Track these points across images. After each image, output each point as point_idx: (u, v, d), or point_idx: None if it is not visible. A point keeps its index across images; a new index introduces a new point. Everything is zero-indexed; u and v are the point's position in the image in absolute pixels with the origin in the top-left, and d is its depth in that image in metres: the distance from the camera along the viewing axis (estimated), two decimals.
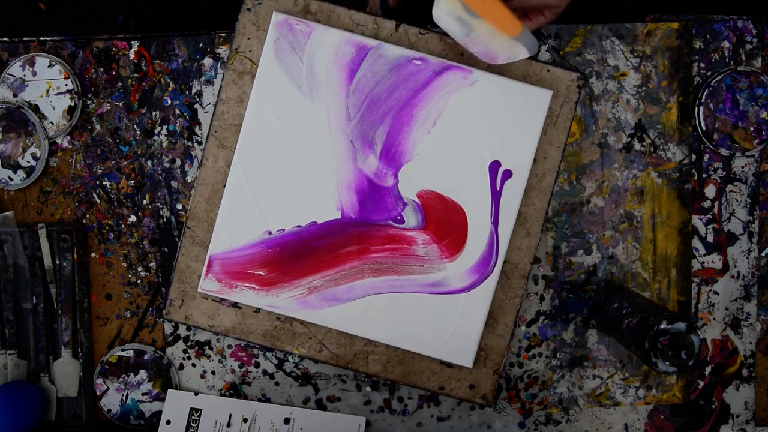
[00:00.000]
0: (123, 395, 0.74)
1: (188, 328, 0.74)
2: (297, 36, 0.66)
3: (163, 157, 0.73)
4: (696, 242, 0.74)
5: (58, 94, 0.73)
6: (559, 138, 0.68)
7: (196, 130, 0.73)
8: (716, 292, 0.74)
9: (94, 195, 0.74)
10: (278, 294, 0.68)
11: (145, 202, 0.74)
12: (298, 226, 0.68)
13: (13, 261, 0.72)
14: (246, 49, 0.68)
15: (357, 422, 0.73)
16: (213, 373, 0.74)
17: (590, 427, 0.75)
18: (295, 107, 0.67)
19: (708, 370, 0.74)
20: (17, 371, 0.73)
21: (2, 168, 0.73)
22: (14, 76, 0.73)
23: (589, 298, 0.74)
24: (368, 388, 0.74)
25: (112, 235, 0.74)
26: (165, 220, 0.74)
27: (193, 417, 0.72)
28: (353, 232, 0.68)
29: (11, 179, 0.73)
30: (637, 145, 0.73)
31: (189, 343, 0.74)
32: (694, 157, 0.73)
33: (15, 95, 0.73)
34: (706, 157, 0.74)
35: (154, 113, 0.73)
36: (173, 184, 0.74)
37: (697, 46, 0.73)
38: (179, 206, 0.74)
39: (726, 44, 0.73)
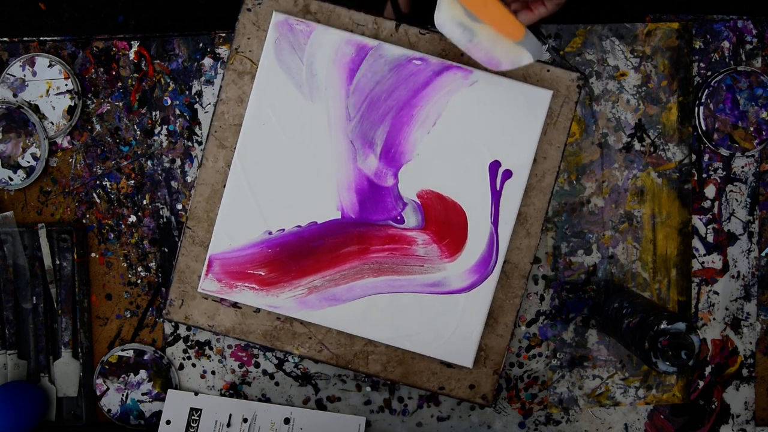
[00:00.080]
0: (123, 395, 0.74)
1: (188, 328, 0.74)
2: (297, 36, 0.66)
3: (163, 157, 0.73)
4: (696, 242, 0.74)
5: (58, 94, 0.73)
6: (559, 138, 0.68)
7: (196, 130, 0.73)
8: (716, 292, 0.74)
9: (94, 195, 0.74)
10: (278, 294, 0.68)
11: (145, 202, 0.74)
12: (298, 226, 0.68)
13: (13, 261, 0.72)
14: (246, 49, 0.68)
15: (357, 422, 0.73)
16: (213, 373, 0.74)
17: (590, 427, 0.75)
18: (295, 107, 0.67)
19: (708, 370, 0.74)
20: (17, 371, 0.73)
21: (2, 168, 0.73)
22: (14, 76, 0.73)
23: (589, 298, 0.74)
24: (368, 388, 0.74)
25: (112, 235, 0.74)
26: (165, 220, 0.74)
27: (193, 417, 0.72)
28: (353, 232, 0.68)
29: (11, 179, 0.73)
30: (637, 145, 0.73)
31: (189, 343, 0.74)
32: (694, 157, 0.73)
33: (15, 95, 0.73)
34: (706, 157, 0.74)
35: (154, 113, 0.73)
36: (173, 184, 0.74)
37: (697, 46, 0.73)
38: (179, 206, 0.74)
39: (726, 44, 0.73)
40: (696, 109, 0.73)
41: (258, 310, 0.69)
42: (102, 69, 0.73)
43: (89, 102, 0.73)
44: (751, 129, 0.73)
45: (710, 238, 0.74)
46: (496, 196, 0.67)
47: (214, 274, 0.68)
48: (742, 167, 0.74)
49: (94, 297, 0.74)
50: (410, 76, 0.66)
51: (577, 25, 0.72)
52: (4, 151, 0.73)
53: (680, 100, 0.73)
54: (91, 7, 1.28)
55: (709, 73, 0.73)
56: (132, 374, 0.74)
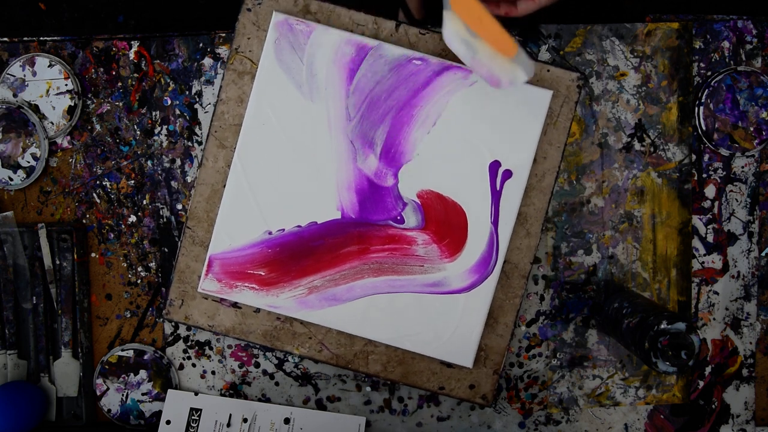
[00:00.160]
0: (123, 395, 0.74)
1: (188, 328, 0.74)
2: (297, 36, 0.66)
3: (163, 157, 0.73)
4: (696, 242, 0.74)
5: (58, 94, 0.73)
6: (559, 138, 0.68)
7: (196, 130, 0.73)
8: (716, 292, 0.74)
9: (94, 195, 0.74)
10: (278, 294, 0.68)
11: (145, 202, 0.74)
12: (298, 226, 0.68)
13: (13, 261, 0.72)
14: (246, 49, 0.68)
15: (357, 422, 0.73)
16: (213, 373, 0.74)
17: (590, 427, 0.75)
18: (295, 107, 0.67)
19: (708, 370, 0.74)
20: (17, 371, 0.73)
21: (2, 168, 0.73)
22: (14, 76, 0.73)
23: (589, 298, 0.74)
24: (368, 388, 0.74)
25: (112, 235, 0.74)
26: (165, 220, 0.74)
27: (193, 417, 0.72)
28: (353, 232, 0.68)
29: (11, 179, 0.73)
30: (637, 145, 0.73)
31: (189, 343, 0.74)
32: (694, 157, 0.73)
33: (15, 95, 0.73)
34: (706, 157, 0.74)
35: (154, 113, 0.73)
36: (173, 184, 0.74)
37: (697, 46, 0.73)
38: (179, 206, 0.74)
39: (726, 44, 0.73)
40: (696, 109, 0.73)
41: (258, 310, 0.69)
42: (102, 69, 0.73)
43: (89, 102, 0.73)
44: (751, 129, 0.73)
45: (710, 238, 0.74)
46: (496, 196, 0.67)
47: (214, 274, 0.68)
48: (742, 167, 0.74)
49: (94, 297, 0.74)
50: (410, 76, 0.66)
51: (577, 25, 0.72)
52: (4, 151, 0.73)
53: (680, 100, 0.73)
54: (91, 7, 1.28)
55: (709, 73, 0.73)
56: (132, 374, 0.74)
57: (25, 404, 0.69)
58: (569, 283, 0.73)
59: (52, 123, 0.73)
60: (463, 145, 0.67)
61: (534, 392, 0.74)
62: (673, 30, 0.72)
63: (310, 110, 0.67)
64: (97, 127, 0.73)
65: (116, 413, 0.75)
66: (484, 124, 0.67)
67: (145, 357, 0.74)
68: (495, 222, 0.67)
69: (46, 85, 0.72)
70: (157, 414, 0.74)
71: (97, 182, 0.74)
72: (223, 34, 0.72)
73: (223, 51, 0.72)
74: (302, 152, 0.68)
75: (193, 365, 0.74)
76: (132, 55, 0.73)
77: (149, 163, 0.73)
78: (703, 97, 0.72)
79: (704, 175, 0.74)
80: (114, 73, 0.73)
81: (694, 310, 0.74)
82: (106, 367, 0.74)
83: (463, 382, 0.70)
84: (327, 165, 0.67)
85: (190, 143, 0.73)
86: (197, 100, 0.73)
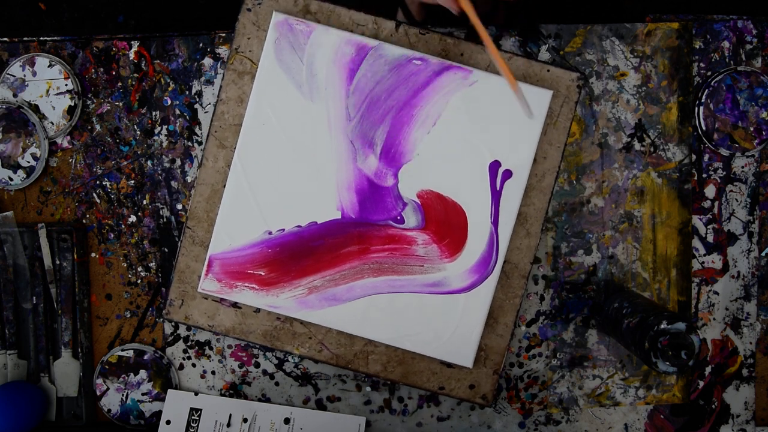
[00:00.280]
0: (123, 395, 0.74)
1: (188, 328, 0.74)
2: (297, 36, 0.66)
3: (163, 157, 0.73)
4: (696, 242, 0.74)
5: (58, 94, 0.73)
6: (559, 138, 0.68)
7: (196, 130, 0.73)
8: (716, 292, 0.74)
9: (94, 195, 0.74)
10: (278, 294, 0.68)
11: (145, 202, 0.74)
12: (298, 226, 0.68)
13: (13, 261, 0.72)
14: (246, 49, 0.68)
15: (357, 422, 0.73)
16: (213, 373, 0.74)
17: (590, 427, 0.75)
18: (295, 107, 0.67)
19: (708, 370, 0.74)
20: (17, 371, 0.73)
21: (2, 168, 0.73)
22: (14, 76, 0.73)
23: (589, 298, 0.74)
24: (368, 388, 0.74)
25: (112, 235, 0.74)
26: (165, 220, 0.74)
27: (193, 417, 0.72)
28: (353, 232, 0.68)
29: (11, 179, 0.73)
30: (637, 145, 0.73)
31: (189, 343, 0.74)
32: (694, 157, 0.73)
33: (15, 95, 0.73)
34: (706, 157, 0.74)
35: (154, 113, 0.73)
36: (173, 184, 0.74)
37: (697, 46, 0.73)
38: (179, 206, 0.74)
39: (726, 44, 0.73)
40: (696, 109, 0.73)
41: (258, 310, 0.69)
42: (102, 69, 0.73)
43: (89, 102, 0.73)
44: (751, 129, 0.73)
45: (710, 238, 0.74)
46: (496, 196, 0.67)
47: (214, 274, 0.68)
48: (742, 167, 0.74)
49: (94, 297, 0.74)
50: (410, 76, 0.66)
51: (577, 25, 0.72)
52: (4, 151, 0.73)
53: (680, 100, 0.73)
54: (91, 7, 1.28)
55: (709, 73, 0.73)
56: (132, 374, 0.74)
57: (25, 404, 0.69)
58: (569, 283, 0.73)
59: (52, 123, 0.73)
60: (463, 145, 0.67)
61: (534, 392, 0.74)
62: (673, 30, 0.72)
63: (310, 110, 0.67)
64: (97, 127, 0.73)
65: (116, 413, 0.75)
66: (484, 124, 0.67)
67: (145, 357, 0.74)
68: (495, 222, 0.67)
69: (46, 85, 0.72)
70: (157, 414, 0.74)
71: (97, 182, 0.74)
72: (223, 34, 0.72)
73: (223, 51, 0.72)
74: (302, 152, 0.68)
75: (193, 365, 0.74)
76: (132, 55, 0.73)
77: (149, 163, 0.73)
78: (703, 97, 0.72)
79: (704, 175, 0.74)
80: (114, 73, 0.73)
81: (694, 310, 0.74)
82: (106, 367, 0.74)
83: (463, 382, 0.70)
84: (327, 165, 0.67)
85: (190, 143, 0.73)
86: (197, 100, 0.73)
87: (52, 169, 0.74)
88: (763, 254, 0.74)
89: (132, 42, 0.73)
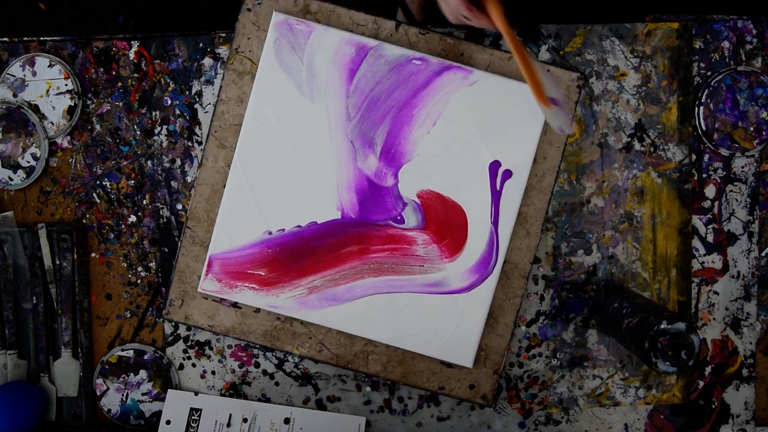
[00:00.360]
0: (123, 395, 0.74)
1: (188, 328, 0.74)
2: (297, 36, 0.66)
3: (163, 157, 0.73)
4: (696, 242, 0.74)
5: (58, 94, 0.73)
6: (559, 138, 0.68)
7: (196, 130, 0.73)
8: (716, 292, 0.74)
9: (94, 195, 0.74)
10: (278, 294, 0.68)
11: (145, 202, 0.74)
12: (298, 226, 0.68)
13: (13, 261, 0.72)
14: (246, 49, 0.68)
15: (357, 422, 0.73)
16: (213, 373, 0.74)
17: (590, 427, 0.75)
18: (295, 107, 0.67)
19: (708, 370, 0.74)
20: (17, 371, 0.73)
21: (2, 168, 0.73)
22: (14, 76, 0.73)
23: (589, 298, 0.74)
24: (368, 388, 0.74)
25: (112, 235, 0.74)
26: (165, 220, 0.74)
27: (193, 417, 0.72)
28: (353, 232, 0.68)
29: (11, 179, 0.73)
30: (637, 145, 0.73)
31: (189, 343, 0.74)
32: (694, 157, 0.73)
33: (15, 95, 0.73)
34: (706, 157, 0.74)
35: (154, 113, 0.73)
36: (173, 184, 0.74)
37: (697, 46, 0.73)
38: (179, 206, 0.74)
39: (726, 44, 0.73)
40: (696, 109, 0.73)
41: (258, 310, 0.69)
42: (102, 69, 0.73)
43: (89, 102, 0.73)
44: (751, 129, 0.73)
45: (710, 238, 0.74)
46: (496, 196, 0.67)
47: (214, 274, 0.68)
48: (742, 167, 0.74)
49: (94, 297, 0.74)
50: (410, 76, 0.66)
51: (577, 25, 0.72)
52: (4, 151, 0.73)
53: (680, 100, 0.73)
54: (91, 7, 1.28)
55: (709, 73, 0.73)
56: (132, 374, 0.74)
57: (25, 404, 0.69)
58: (569, 283, 0.73)
59: (52, 123, 0.73)
60: (463, 145, 0.67)
61: (534, 392, 0.74)
62: (673, 30, 0.72)
63: (310, 110, 0.67)
64: (97, 127, 0.73)
65: (116, 413, 0.74)
66: (484, 124, 0.67)
67: (145, 357, 0.74)
68: (495, 222, 0.67)
69: (46, 85, 0.72)
70: (157, 414, 0.74)
71: (97, 182, 0.74)
72: (223, 34, 0.72)
73: (223, 51, 0.72)
74: (302, 152, 0.68)
75: (193, 365, 0.74)
76: (132, 55, 0.73)
77: (149, 163, 0.73)
78: (703, 97, 0.72)
79: (704, 175, 0.74)
80: (114, 73, 0.73)
81: (694, 310, 0.74)
82: (106, 367, 0.74)
83: (463, 382, 0.70)
84: (327, 165, 0.67)
85: (190, 143, 0.73)
86: (197, 100, 0.73)
87: (52, 169, 0.74)
88: (763, 254, 0.74)
89: (132, 42, 0.73)
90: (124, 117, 0.73)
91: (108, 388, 0.74)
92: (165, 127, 0.73)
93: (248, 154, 0.68)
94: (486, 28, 0.58)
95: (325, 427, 0.73)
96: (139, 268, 0.74)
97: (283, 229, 0.68)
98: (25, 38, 0.73)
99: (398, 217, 0.68)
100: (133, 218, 0.74)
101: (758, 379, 0.75)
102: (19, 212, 0.74)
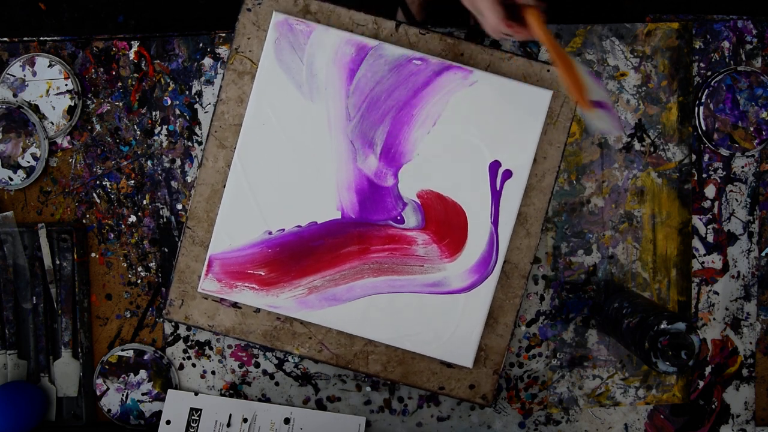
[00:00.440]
0: (123, 395, 0.74)
1: (188, 328, 0.74)
2: (297, 36, 0.66)
3: (163, 157, 0.73)
4: (696, 242, 0.74)
5: (58, 94, 0.73)
6: (559, 138, 0.68)
7: (196, 130, 0.73)
8: (716, 292, 0.74)
9: (94, 195, 0.74)
10: (278, 294, 0.68)
11: (145, 202, 0.74)
12: (298, 226, 0.68)
13: (13, 261, 0.72)
14: (246, 49, 0.68)
15: (357, 422, 0.73)
16: (213, 373, 0.74)
17: (590, 427, 0.75)
18: (295, 107, 0.67)
19: (708, 370, 0.74)
20: (17, 371, 0.73)
21: (2, 168, 0.73)
22: (14, 76, 0.73)
23: (589, 298, 0.74)
24: (368, 388, 0.74)
25: (112, 235, 0.74)
26: (165, 220, 0.74)
27: (193, 417, 0.72)
28: (353, 232, 0.68)
29: (11, 179, 0.73)
30: (637, 145, 0.73)
31: (189, 343, 0.74)
32: (694, 157, 0.73)
33: (15, 95, 0.73)
34: (706, 157, 0.74)
35: (154, 113, 0.73)
36: (173, 184, 0.74)
37: (697, 46, 0.73)
38: (179, 206, 0.74)
39: (726, 44, 0.73)
40: (696, 109, 0.73)
41: (258, 310, 0.69)
42: (102, 69, 0.73)
43: (89, 102, 0.73)
44: (751, 129, 0.73)
45: (710, 238, 0.74)
46: (496, 196, 0.67)
47: (214, 274, 0.68)
48: (742, 167, 0.74)
49: (94, 297, 0.74)
50: (410, 76, 0.66)
51: (577, 25, 0.72)
52: (4, 151, 0.73)
53: (680, 100, 0.73)
54: (91, 7, 1.28)
55: (709, 73, 0.73)
56: (132, 374, 0.74)
57: (25, 404, 0.69)
58: (569, 283, 0.73)
59: (52, 123, 0.73)
60: (463, 145, 0.67)
61: (534, 392, 0.74)
62: (673, 30, 0.72)
63: (310, 110, 0.67)
64: (97, 127, 0.73)
65: (116, 413, 0.74)
66: (484, 124, 0.67)
67: (145, 357, 0.74)
68: (495, 222, 0.67)
69: (46, 85, 0.72)
70: (157, 414, 0.74)
71: (97, 182, 0.74)
72: (223, 34, 0.72)
73: (223, 51, 0.72)
74: (302, 152, 0.68)
75: (193, 365, 0.74)
76: (132, 55, 0.73)
77: (149, 163, 0.73)
78: (703, 97, 0.72)
79: (704, 175, 0.74)
80: (114, 73, 0.73)
81: (694, 310, 0.74)
82: (106, 367, 0.74)
83: (463, 382, 0.70)
84: (327, 165, 0.67)
85: (190, 143, 0.73)
86: (197, 100, 0.73)
87: (52, 169, 0.74)
88: (763, 254, 0.74)
89: (132, 42, 0.73)
90: (124, 117, 0.73)
91: (108, 388, 0.74)
92: (165, 127, 0.73)
93: (248, 154, 0.68)
94: (528, 39, 0.56)
95: (325, 427, 0.73)
96: (139, 268, 0.74)
97: (283, 229, 0.68)
98: (25, 38, 0.73)
99: (398, 217, 0.68)
100: (133, 218, 0.74)
101: (758, 379, 0.75)
102: (19, 212, 0.74)
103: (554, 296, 0.73)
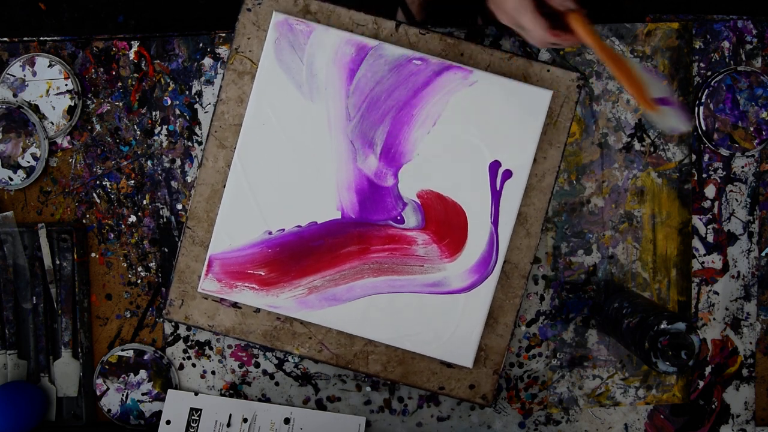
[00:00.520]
0: (123, 395, 0.74)
1: (188, 328, 0.74)
2: (297, 36, 0.66)
3: (163, 157, 0.73)
4: (696, 242, 0.74)
5: (58, 94, 0.73)
6: (559, 138, 0.68)
7: (196, 130, 0.73)
8: (716, 292, 0.74)
9: (94, 195, 0.74)
10: (278, 294, 0.68)
11: (145, 202, 0.74)
12: (298, 226, 0.68)
13: (13, 261, 0.72)
14: (246, 49, 0.68)
15: (357, 422, 0.73)
16: (213, 373, 0.74)
17: (590, 427, 0.75)
18: (295, 107, 0.67)
19: (708, 370, 0.74)
20: (17, 371, 0.73)
21: (2, 168, 0.73)
22: (14, 76, 0.73)
23: (589, 298, 0.74)
24: (368, 388, 0.74)
25: (112, 235, 0.74)
26: (165, 220, 0.74)
27: (193, 417, 0.72)
28: (353, 232, 0.68)
29: (11, 179, 0.73)
30: (637, 145, 0.73)
31: (189, 343, 0.74)
32: (694, 157, 0.73)
33: (15, 95, 0.73)
34: (706, 157, 0.74)
35: (154, 113, 0.73)
36: (173, 184, 0.74)
37: (697, 46, 0.73)
38: (179, 206, 0.74)
39: (726, 44, 0.73)
40: (696, 109, 0.73)
41: (258, 310, 0.69)
42: (102, 69, 0.73)
43: (89, 102, 0.73)
44: (751, 129, 0.73)
45: (710, 238, 0.74)
46: (496, 196, 0.67)
47: (214, 274, 0.68)
48: (742, 167, 0.74)
49: (94, 297, 0.74)
50: (410, 76, 0.66)
51: None
52: (4, 151, 0.73)
53: (680, 100, 0.73)
54: (91, 7, 1.28)
55: (709, 73, 0.73)
56: (132, 374, 0.74)
57: (25, 404, 0.69)
58: (569, 283, 0.73)
59: (52, 123, 0.73)
60: (463, 145, 0.67)
61: (534, 392, 0.74)
62: (673, 30, 0.72)
63: (310, 110, 0.67)
64: (97, 127, 0.73)
65: (116, 413, 0.75)
66: (484, 124, 0.67)
67: (145, 357, 0.74)
68: (495, 222, 0.67)
69: (46, 85, 0.72)
70: (157, 414, 0.74)
71: (97, 182, 0.74)
72: (223, 34, 0.72)
73: (223, 51, 0.72)
74: (302, 152, 0.68)
75: (193, 365, 0.74)
76: (132, 55, 0.73)
77: (149, 163, 0.73)
78: (703, 97, 0.72)
79: (704, 175, 0.74)
80: (114, 73, 0.73)
81: (694, 310, 0.74)
82: (106, 367, 0.74)
83: (463, 382, 0.70)
84: (327, 165, 0.67)
85: (190, 143, 0.73)
86: (197, 100, 0.73)
87: (52, 169, 0.74)
88: (763, 254, 0.74)
89: (132, 42, 0.73)
90: (124, 117, 0.73)
91: (108, 388, 0.74)
92: (165, 127, 0.73)
93: (248, 154, 0.68)
94: (577, 44, 0.55)
95: (325, 427, 0.73)
96: (139, 268, 0.74)
97: (283, 229, 0.68)
98: (25, 38, 0.73)
99: (398, 217, 0.68)
100: (133, 218, 0.74)
101: (758, 379, 0.75)
102: (19, 212, 0.74)
103: (554, 296, 0.73)
